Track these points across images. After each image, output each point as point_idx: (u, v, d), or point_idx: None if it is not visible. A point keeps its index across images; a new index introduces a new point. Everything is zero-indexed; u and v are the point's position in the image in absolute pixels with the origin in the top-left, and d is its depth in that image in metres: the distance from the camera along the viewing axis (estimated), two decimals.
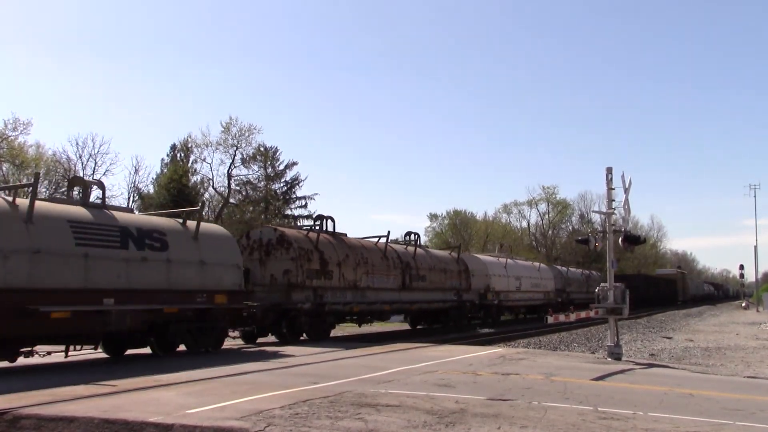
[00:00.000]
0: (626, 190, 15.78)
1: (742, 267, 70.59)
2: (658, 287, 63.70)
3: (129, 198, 46.69)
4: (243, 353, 15.55)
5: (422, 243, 29.33)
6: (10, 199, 12.04)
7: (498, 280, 31.50)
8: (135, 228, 13.79)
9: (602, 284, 15.66)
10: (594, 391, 9.65)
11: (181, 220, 15.55)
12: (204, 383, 9.96)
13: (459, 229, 72.32)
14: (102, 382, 9.86)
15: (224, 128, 49.92)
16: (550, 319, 17.58)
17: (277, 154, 53.00)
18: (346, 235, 22.78)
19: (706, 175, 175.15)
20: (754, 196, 70.33)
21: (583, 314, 17.92)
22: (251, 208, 50.65)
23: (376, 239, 23.81)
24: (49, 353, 13.03)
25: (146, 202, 45.16)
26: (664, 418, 7.64)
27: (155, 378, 10.42)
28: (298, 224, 42.88)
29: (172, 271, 14.19)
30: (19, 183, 31.05)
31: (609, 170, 15.59)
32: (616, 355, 14.94)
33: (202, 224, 15.69)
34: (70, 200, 14.25)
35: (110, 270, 12.88)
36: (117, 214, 14.07)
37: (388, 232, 23.73)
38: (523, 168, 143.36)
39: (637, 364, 14.52)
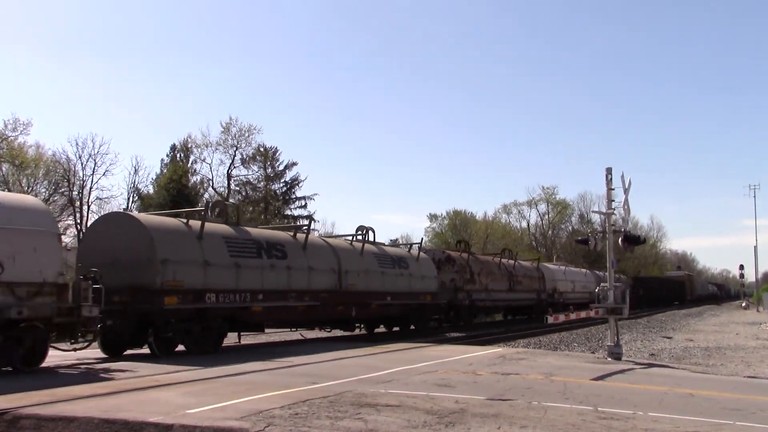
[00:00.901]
0: (626, 191, 15.78)
1: (742, 267, 70.70)
2: (669, 288, 69.72)
3: (129, 198, 46.55)
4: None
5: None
6: (350, 240, 22.38)
7: (561, 284, 40.52)
8: (395, 256, 23.08)
9: (602, 284, 15.66)
10: (594, 391, 9.65)
11: (407, 247, 25.59)
12: (204, 383, 9.97)
13: (459, 229, 72.17)
14: (102, 382, 9.86)
15: (224, 128, 49.93)
16: (550, 319, 17.50)
17: (277, 154, 52.97)
18: (474, 253, 32.82)
19: (706, 175, 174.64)
20: (754, 196, 70.59)
21: (583, 314, 17.87)
22: (251, 209, 50.60)
23: (491, 257, 33.78)
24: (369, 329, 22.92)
25: (146, 203, 45.01)
26: (664, 418, 7.64)
27: (155, 378, 10.42)
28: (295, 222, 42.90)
29: (411, 280, 23.03)
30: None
31: (609, 170, 15.59)
32: (616, 355, 14.93)
33: (416, 250, 25.18)
34: (367, 241, 22.76)
35: (390, 280, 21.89)
36: (385, 247, 24.00)
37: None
38: (522, 168, 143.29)
39: (637, 364, 14.53)
